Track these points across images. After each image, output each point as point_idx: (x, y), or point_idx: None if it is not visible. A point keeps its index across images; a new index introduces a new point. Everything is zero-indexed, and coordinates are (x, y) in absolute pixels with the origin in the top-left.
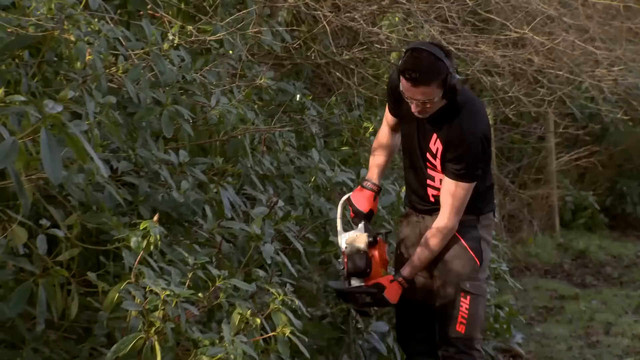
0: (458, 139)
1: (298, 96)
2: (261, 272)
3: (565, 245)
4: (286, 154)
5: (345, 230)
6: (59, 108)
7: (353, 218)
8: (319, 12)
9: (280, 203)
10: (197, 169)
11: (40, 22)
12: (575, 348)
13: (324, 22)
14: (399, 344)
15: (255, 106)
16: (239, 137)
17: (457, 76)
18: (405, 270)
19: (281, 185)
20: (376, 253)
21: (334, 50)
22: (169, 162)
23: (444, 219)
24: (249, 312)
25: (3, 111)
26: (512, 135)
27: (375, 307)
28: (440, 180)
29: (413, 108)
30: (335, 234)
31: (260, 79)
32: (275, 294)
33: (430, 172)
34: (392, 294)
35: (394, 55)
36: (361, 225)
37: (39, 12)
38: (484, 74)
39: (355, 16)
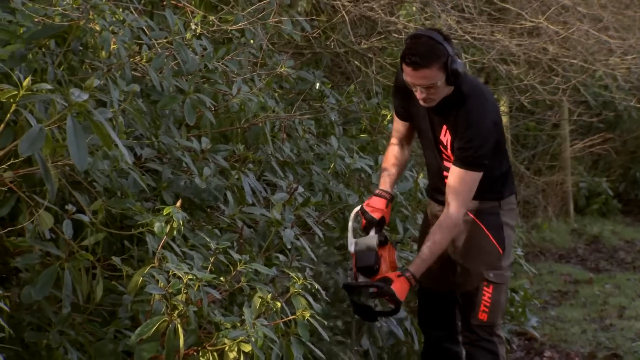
0: (465, 127)
1: (317, 84)
2: (281, 257)
3: (579, 230)
4: (306, 141)
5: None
6: (85, 96)
7: (365, 226)
8: (338, 2)
9: (300, 189)
10: (219, 156)
11: (66, 12)
12: (589, 331)
13: (343, 12)
14: (420, 328)
15: (276, 94)
16: (260, 124)
17: (460, 60)
18: (413, 266)
19: (301, 171)
20: (385, 253)
21: (353, 40)
22: (192, 149)
23: (450, 211)
24: (269, 295)
25: (30, 99)
26: (527, 122)
27: (382, 306)
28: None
29: (418, 95)
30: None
31: (281, 68)
32: (295, 278)
33: (445, 163)
34: (399, 288)
35: None
36: (372, 232)
37: (64, 2)
38: (499, 62)
39: (374, 6)
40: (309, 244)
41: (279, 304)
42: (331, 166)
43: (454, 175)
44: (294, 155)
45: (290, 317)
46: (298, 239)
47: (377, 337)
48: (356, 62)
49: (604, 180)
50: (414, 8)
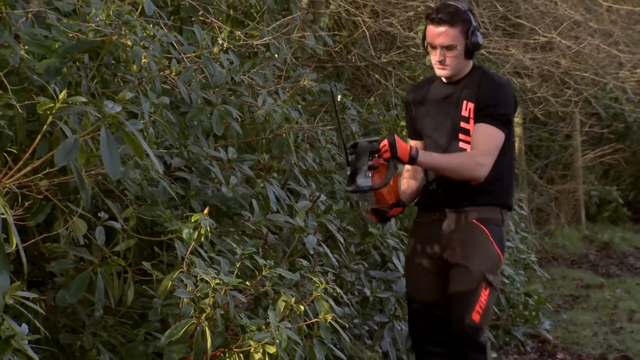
0: (491, 87)
1: (339, 97)
2: (304, 262)
3: (590, 237)
4: (328, 150)
5: None
6: (118, 108)
7: None
8: (358, 18)
9: (322, 197)
10: (245, 165)
11: (99, 28)
12: (600, 334)
13: (364, 27)
14: (413, 349)
15: (299, 106)
16: (284, 135)
17: (480, 35)
18: (421, 153)
19: (323, 180)
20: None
21: (373, 54)
22: (219, 158)
23: (476, 152)
24: (293, 299)
25: (65, 111)
26: (541, 133)
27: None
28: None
29: (435, 59)
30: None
31: (304, 81)
32: (318, 282)
33: (462, 144)
34: (400, 144)
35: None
36: None
37: (98, 19)
38: (514, 75)
39: (393, 22)
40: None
41: (302, 308)
42: None
43: (479, 130)
44: (316, 165)
45: (313, 320)
46: (320, 245)
47: (397, 339)
48: (376, 76)
49: (614, 189)
50: None
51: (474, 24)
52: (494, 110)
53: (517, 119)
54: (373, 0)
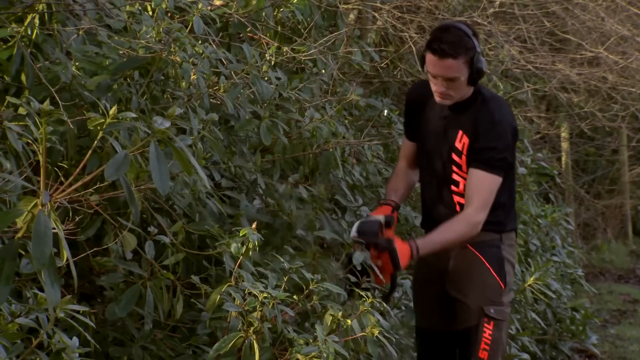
0: (488, 126)
1: (385, 111)
2: (351, 277)
3: (637, 251)
4: (374, 165)
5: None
6: (167, 124)
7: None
8: (405, 34)
9: (368, 211)
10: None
11: (149, 45)
12: None
13: (410, 43)
14: None
15: (346, 121)
16: (331, 149)
17: (484, 60)
18: (419, 240)
19: (370, 194)
20: (391, 234)
21: (419, 69)
22: (268, 172)
23: (471, 210)
24: (340, 313)
25: (116, 127)
26: (587, 148)
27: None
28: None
29: (437, 89)
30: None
31: (351, 95)
32: (365, 297)
33: (455, 176)
34: (401, 250)
35: None
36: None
37: (148, 36)
38: (560, 90)
39: None
40: None
41: (349, 322)
42: None
43: (475, 177)
44: (363, 179)
45: (360, 334)
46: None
47: None
48: None
49: None
50: None
51: (478, 49)
52: (490, 156)
53: (563, 134)
54: (420, 17)
